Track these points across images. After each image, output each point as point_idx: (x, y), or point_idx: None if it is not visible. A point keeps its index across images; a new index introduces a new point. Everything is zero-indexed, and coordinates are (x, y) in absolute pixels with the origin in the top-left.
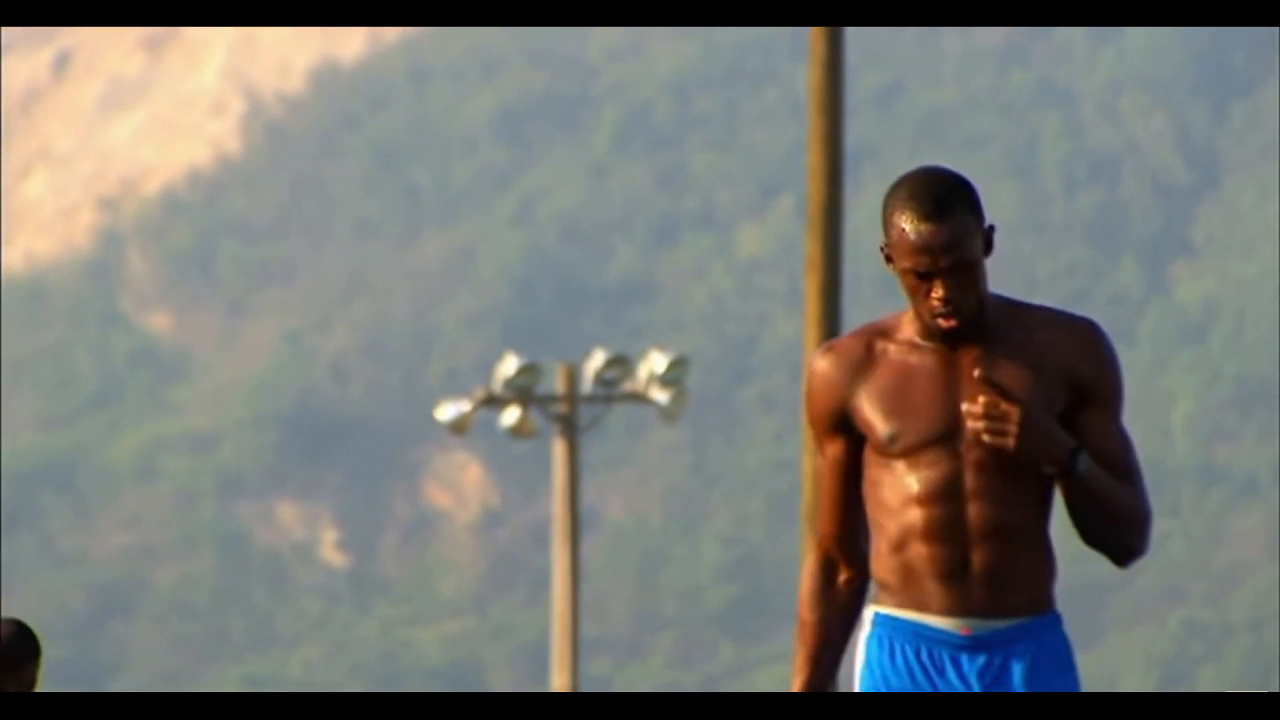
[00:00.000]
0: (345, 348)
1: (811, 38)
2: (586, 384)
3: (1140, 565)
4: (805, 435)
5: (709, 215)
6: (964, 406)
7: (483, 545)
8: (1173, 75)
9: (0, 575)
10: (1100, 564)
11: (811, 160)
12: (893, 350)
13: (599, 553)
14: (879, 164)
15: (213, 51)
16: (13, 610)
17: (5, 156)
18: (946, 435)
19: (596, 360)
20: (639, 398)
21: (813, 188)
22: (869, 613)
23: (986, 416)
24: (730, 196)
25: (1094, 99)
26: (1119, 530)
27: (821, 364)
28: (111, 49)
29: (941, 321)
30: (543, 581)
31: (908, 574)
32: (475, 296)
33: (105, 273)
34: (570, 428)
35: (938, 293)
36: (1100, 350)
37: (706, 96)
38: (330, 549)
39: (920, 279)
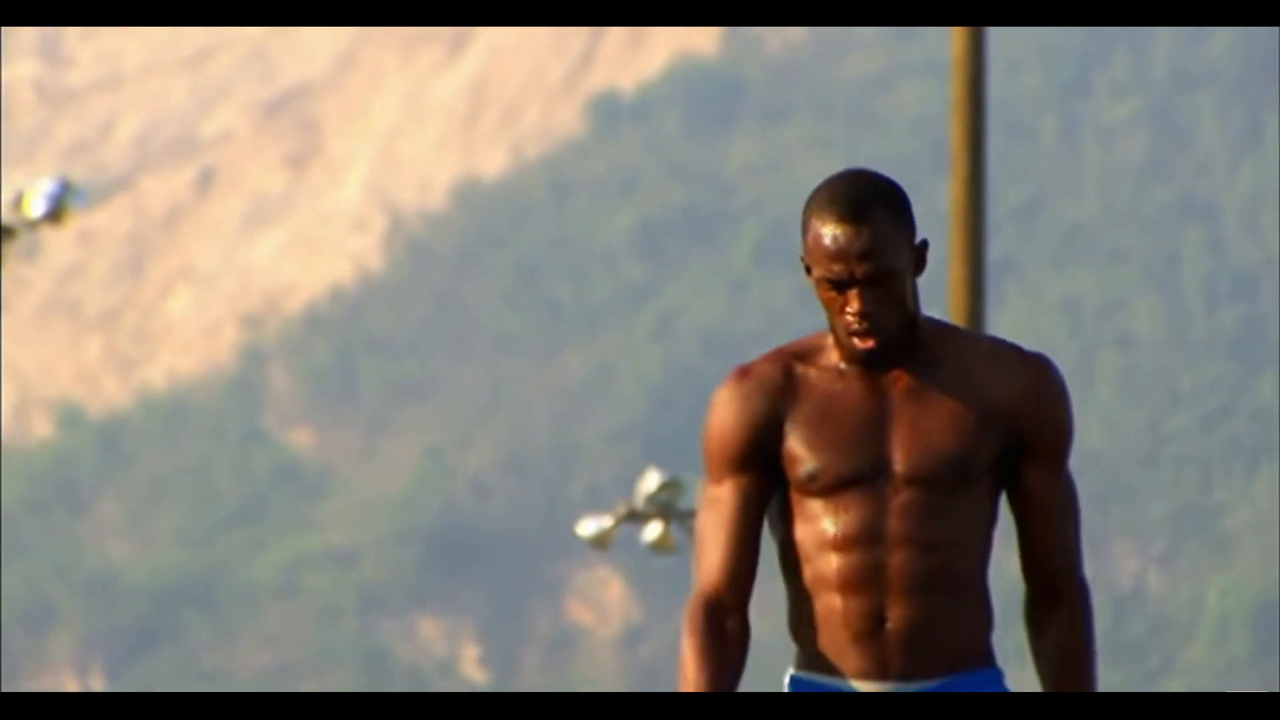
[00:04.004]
0: (486, 463)
1: (952, 154)
2: None
3: None
4: None
5: None
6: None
7: (625, 662)
8: None
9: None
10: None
11: (953, 274)
12: (814, 376)
13: None
14: (1021, 278)
15: (354, 168)
16: None
17: (148, 274)
18: (869, 474)
19: None
20: None
21: (954, 302)
22: (786, 677)
23: None
24: None
25: (1235, 213)
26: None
27: (736, 390)
28: (254, 166)
29: (858, 341)
30: None
31: (820, 630)
32: (616, 412)
33: (247, 390)
34: None
35: (853, 306)
36: (1050, 391)
37: None
38: (472, 665)
39: (836, 290)
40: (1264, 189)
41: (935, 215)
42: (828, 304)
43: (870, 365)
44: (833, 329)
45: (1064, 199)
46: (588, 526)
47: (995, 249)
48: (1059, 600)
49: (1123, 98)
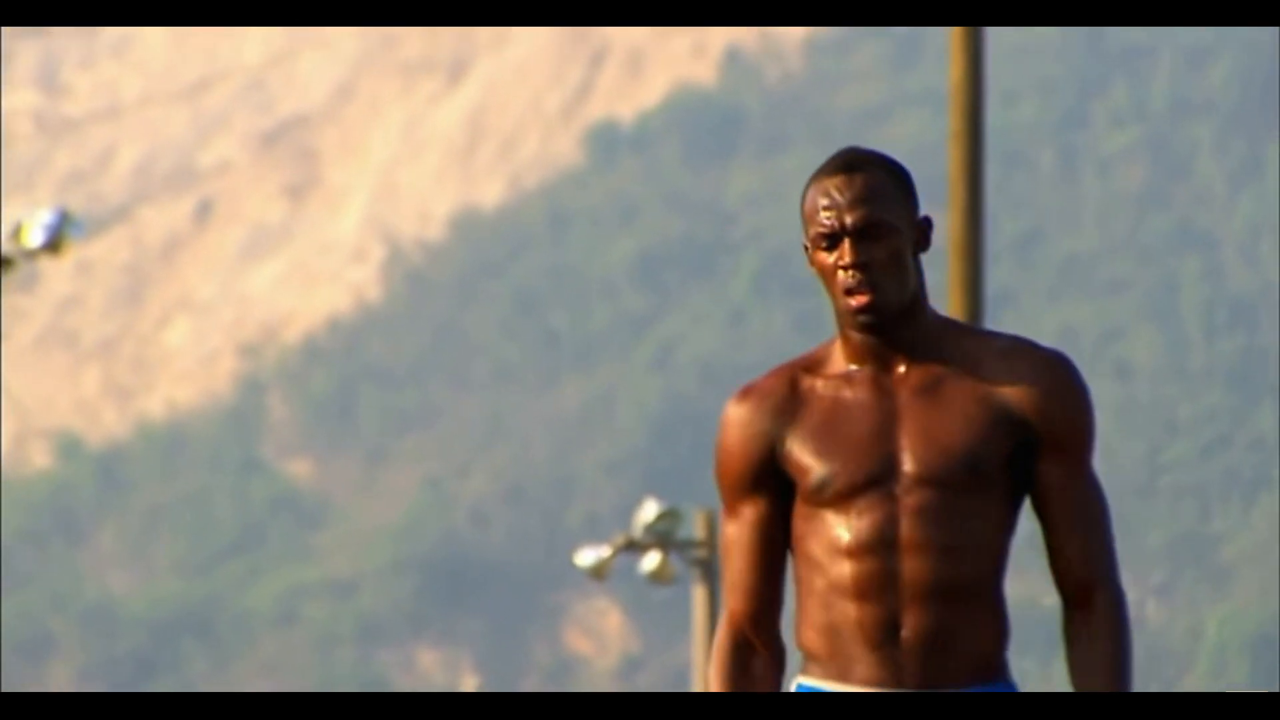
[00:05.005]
0: (485, 493)
1: (950, 184)
2: None
3: None
4: None
5: None
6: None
7: (623, 692)
8: None
9: None
10: None
11: (951, 306)
12: (820, 385)
13: None
14: (1020, 310)
15: (353, 199)
16: None
17: (146, 305)
18: (880, 478)
19: None
20: None
21: None
22: (793, 684)
23: None
24: None
25: (1234, 243)
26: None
27: (739, 410)
28: (252, 197)
29: (853, 300)
30: None
31: (833, 638)
32: (615, 441)
33: (246, 419)
34: (710, 573)
35: (845, 258)
36: (1066, 386)
37: None
38: None
39: (829, 247)
40: (1262, 219)
41: (933, 247)
42: (823, 271)
43: (869, 330)
44: (835, 308)
45: (1062, 229)
46: (586, 556)
47: (993, 280)
48: (1087, 610)
49: (1121, 128)
